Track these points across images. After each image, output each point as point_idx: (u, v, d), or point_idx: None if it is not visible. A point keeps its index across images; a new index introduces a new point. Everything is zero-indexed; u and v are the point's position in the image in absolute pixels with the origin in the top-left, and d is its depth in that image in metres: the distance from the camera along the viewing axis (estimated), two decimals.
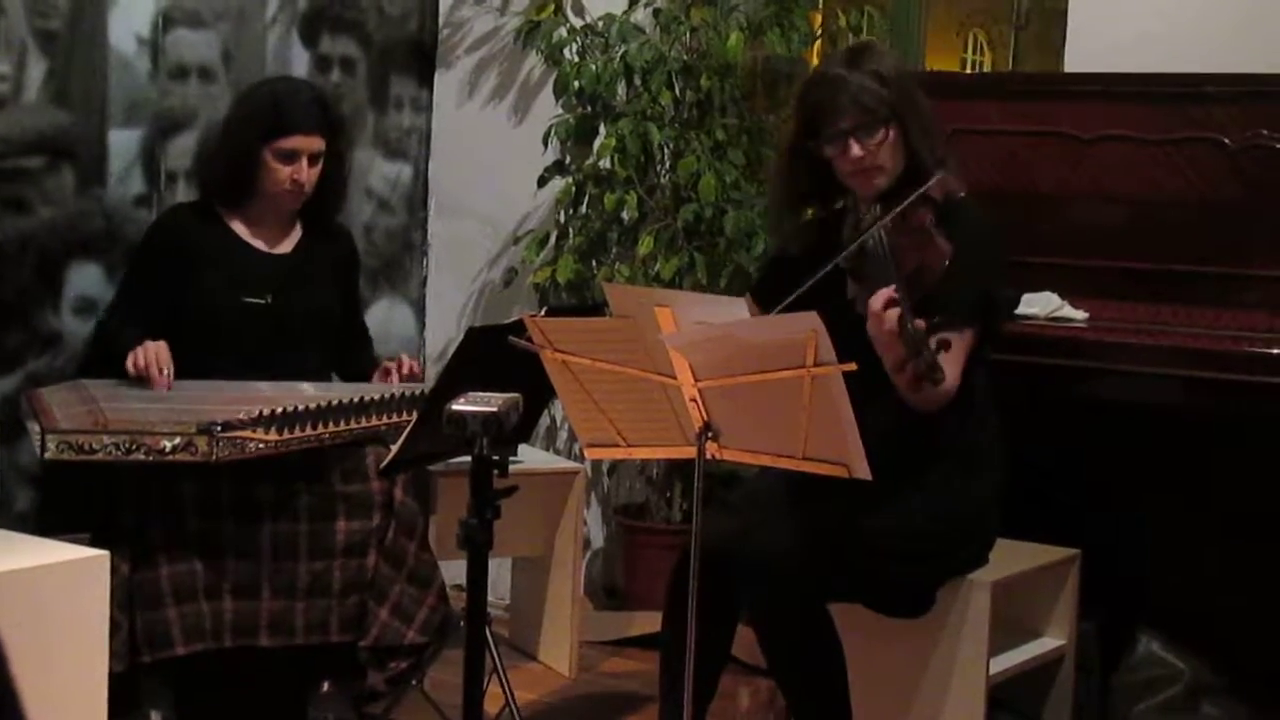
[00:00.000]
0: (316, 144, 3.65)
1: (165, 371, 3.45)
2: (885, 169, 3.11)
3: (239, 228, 3.72)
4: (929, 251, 2.92)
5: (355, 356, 3.92)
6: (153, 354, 3.46)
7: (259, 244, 3.73)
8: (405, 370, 3.76)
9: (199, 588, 3.31)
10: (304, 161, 3.63)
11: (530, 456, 4.24)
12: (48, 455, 3.14)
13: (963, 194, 3.08)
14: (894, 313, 2.72)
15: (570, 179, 4.59)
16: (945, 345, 2.70)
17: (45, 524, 3.63)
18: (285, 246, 3.77)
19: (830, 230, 3.21)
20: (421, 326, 4.97)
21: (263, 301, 3.66)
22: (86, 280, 3.87)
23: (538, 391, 2.91)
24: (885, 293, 2.75)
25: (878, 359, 2.81)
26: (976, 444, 3.17)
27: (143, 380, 3.45)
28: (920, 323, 2.68)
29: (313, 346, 3.78)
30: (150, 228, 3.79)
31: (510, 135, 4.85)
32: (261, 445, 3.22)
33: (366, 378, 3.83)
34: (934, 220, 2.98)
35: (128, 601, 3.24)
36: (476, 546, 2.44)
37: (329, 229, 3.85)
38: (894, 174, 3.12)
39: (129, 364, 3.46)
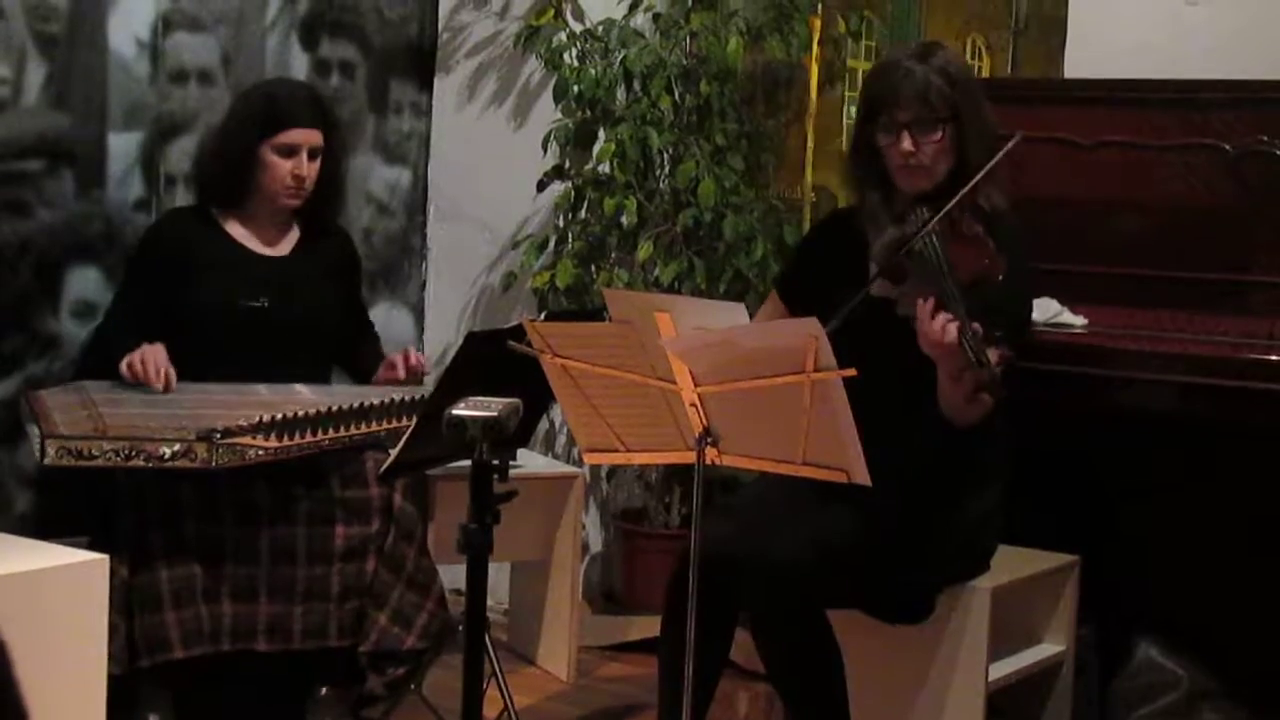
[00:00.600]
0: (315, 138, 3.66)
1: (163, 374, 3.44)
2: (932, 170, 3.09)
3: (236, 230, 3.72)
4: (988, 261, 2.88)
5: (364, 354, 3.92)
6: (150, 360, 3.46)
7: (256, 247, 3.73)
8: (411, 363, 3.75)
9: (197, 592, 3.31)
10: (304, 156, 3.64)
11: (529, 461, 4.24)
12: (47, 461, 3.14)
13: (1003, 207, 3.08)
14: (953, 322, 2.70)
15: (569, 184, 4.59)
16: (1005, 358, 2.68)
17: (45, 527, 3.64)
18: (283, 249, 3.77)
19: (861, 227, 3.19)
20: (420, 331, 4.97)
21: (260, 305, 3.66)
22: (86, 284, 3.87)
23: (537, 396, 2.91)
24: (933, 302, 2.75)
25: (895, 363, 2.80)
26: (984, 454, 3.17)
27: (140, 384, 3.45)
28: (978, 326, 2.67)
29: (311, 348, 3.77)
30: (147, 233, 3.79)
31: (509, 140, 4.85)
32: (261, 452, 3.22)
33: (374, 373, 3.84)
34: (985, 230, 2.96)
35: (126, 605, 3.24)
36: (476, 551, 2.44)
37: (327, 230, 3.85)
38: (940, 177, 3.09)
39: (123, 369, 3.46)
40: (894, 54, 3.20)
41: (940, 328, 2.73)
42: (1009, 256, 2.95)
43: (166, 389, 3.44)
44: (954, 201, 2.92)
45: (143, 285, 3.68)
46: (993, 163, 2.95)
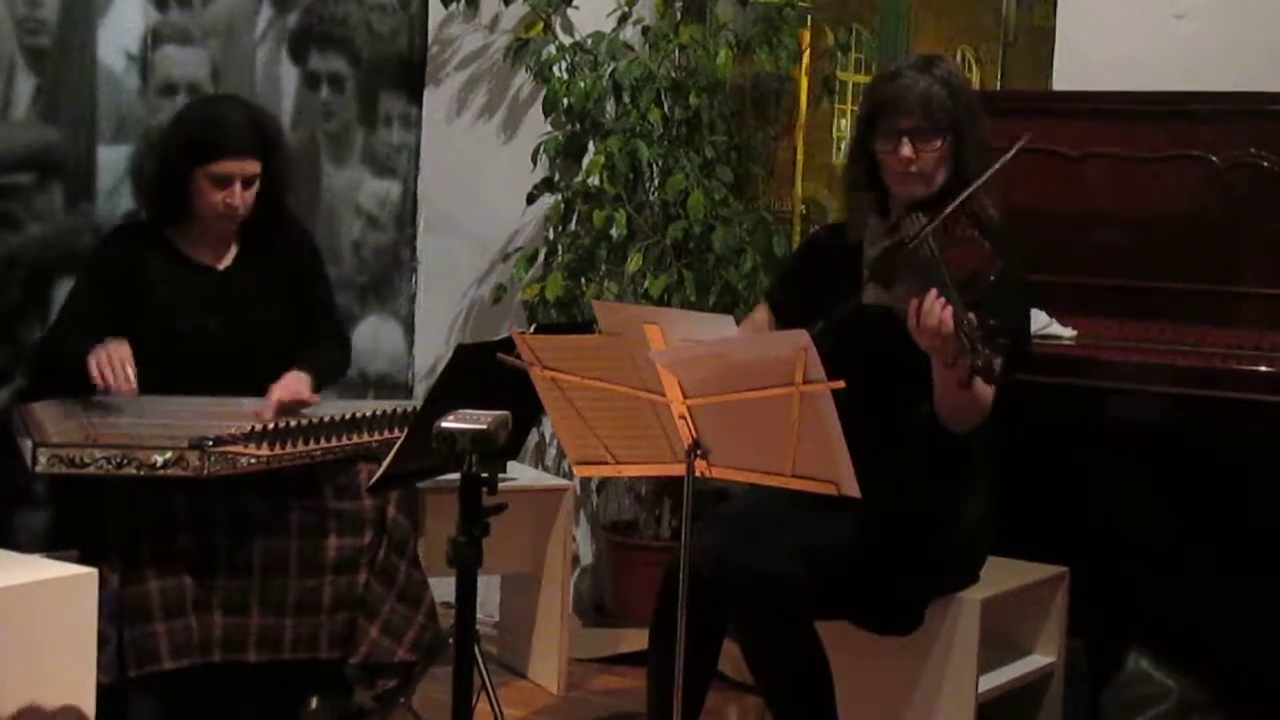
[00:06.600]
0: (250, 167, 3.61)
1: (130, 376, 3.40)
2: (930, 178, 3.10)
3: (182, 246, 3.69)
4: (984, 260, 2.91)
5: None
6: (118, 361, 3.40)
7: (202, 261, 3.71)
8: (275, 398, 3.57)
9: (188, 602, 3.30)
10: (237, 186, 3.59)
11: (519, 474, 4.23)
12: (39, 469, 3.14)
13: (996, 216, 3.09)
14: (949, 310, 2.73)
15: (559, 196, 4.59)
16: (1002, 348, 2.70)
17: (34, 541, 3.63)
18: (227, 260, 3.75)
19: (856, 239, 3.19)
20: (410, 343, 4.96)
21: (208, 321, 3.64)
22: None
23: (527, 409, 2.91)
24: (932, 294, 2.78)
25: (884, 374, 2.81)
26: (973, 465, 3.17)
27: (104, 389, 3.40)
28: (972, 316, 2.69)
29: (260, 362, 3.67)
30: (94, 251, 3.76)
31: (499, 152, 4.85)
32: (253, 460, 3.22)
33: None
34: (979, 234, 2.98)
35: (117, 615, 3.23)
36: (466, 564, 2.44)
37: (268, 244, 3.77)
38: (936, 186, 3.10)
39: (91, 366, 3.39)
40: (897, 63, 3.23)
41: (937, 317, 2.75)
42: (1003, 262, 2.97)
43: (133, 393, 3.40)
44: (955, 204, 2.94)
45: (89, 302, 3.63)
46: (997, 166, 2.97)
